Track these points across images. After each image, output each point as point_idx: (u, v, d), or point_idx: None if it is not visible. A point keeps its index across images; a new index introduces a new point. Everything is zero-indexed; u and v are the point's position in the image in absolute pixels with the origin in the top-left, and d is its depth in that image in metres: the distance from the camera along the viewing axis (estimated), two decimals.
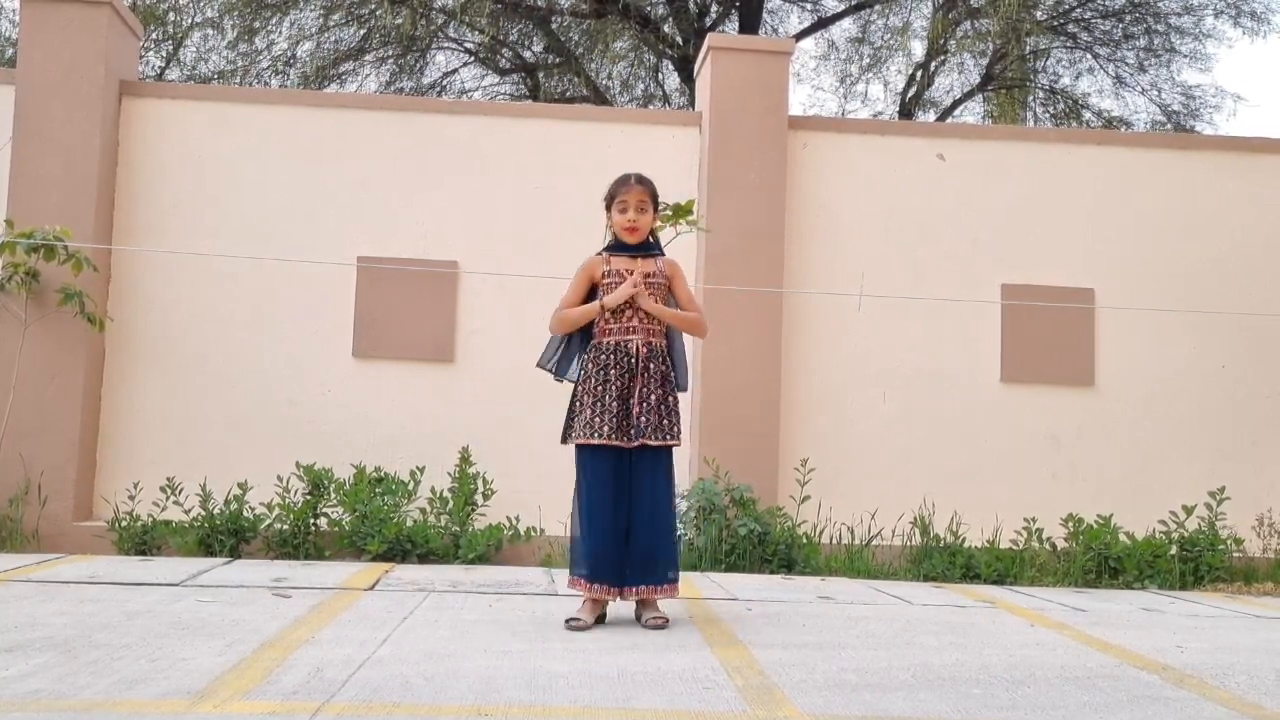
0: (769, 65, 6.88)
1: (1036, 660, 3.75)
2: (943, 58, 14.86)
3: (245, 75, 13.98)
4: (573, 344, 4.30)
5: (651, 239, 4.28)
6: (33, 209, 6.32)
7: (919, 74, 15.16)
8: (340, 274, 6.66)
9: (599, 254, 4.24)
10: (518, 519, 6.26)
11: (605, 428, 4.02)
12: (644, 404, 4.04)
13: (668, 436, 4.08)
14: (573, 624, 4.00)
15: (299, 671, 3.18)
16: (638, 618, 4.15)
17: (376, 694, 2.95)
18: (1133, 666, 3.70)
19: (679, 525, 6.11)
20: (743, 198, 6.70)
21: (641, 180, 4.18)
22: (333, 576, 5.13)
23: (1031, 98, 15.12)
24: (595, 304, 4.13)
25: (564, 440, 4.18)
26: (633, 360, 4.07)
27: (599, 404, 4.04)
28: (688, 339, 4.48)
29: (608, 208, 4.21)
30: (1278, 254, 7.09)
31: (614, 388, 4.05)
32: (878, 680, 3.35)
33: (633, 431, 4.03)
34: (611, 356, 4.08)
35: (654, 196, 4.20)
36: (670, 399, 4.12)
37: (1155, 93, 14.48)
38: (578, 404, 4.13)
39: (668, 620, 4.08)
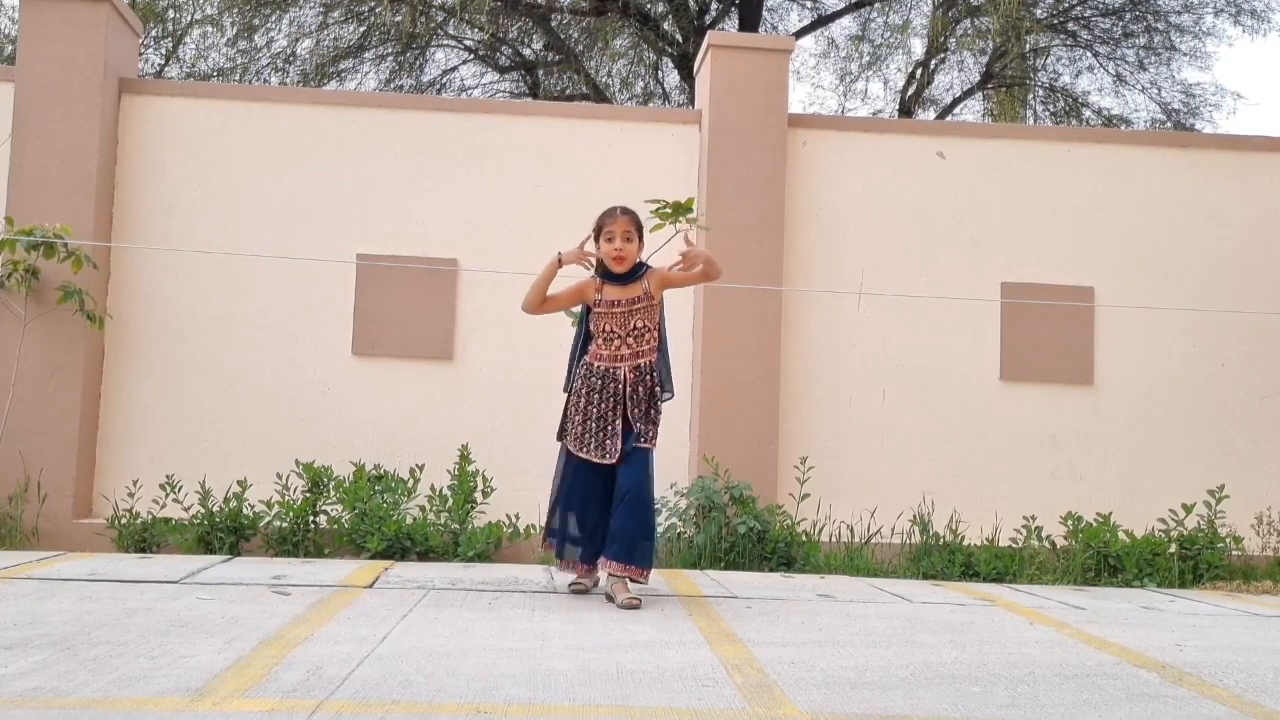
0: (769, 63, 6.87)
1: (1035, 658, 3.75)
2: (943, 56, 14.86)
3: (245, 72, 13.99)
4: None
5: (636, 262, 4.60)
6: (32, 206, 6.32)
7: (919, 72, 15.16)
8: (340, 271, 6.66)
9: (593, 278, 4.54)
10: (517, 517, 6.26)
11: (589, 446, 4.47)
12: (646, 415, 4.47)
13: (642, 440, 4.48)
14: (575, 587, 4.68)
15: (298, 669, 3.18)
16: (610, 597, 4.49)
17: (375, 692, 2.95)
18: (1131, 664, 3.70)
19: (677, 522, 6.14)
20: (742, 195, 6.70)
21: (626, 211, 4.50)
22: (332, 574, 5.13)
23: (1031, 96, 15.11)
24: (553, 257, 4.48)
25: (559, 438, 4.65)
26: (620, 386, 4.46)
27: (587, 421, 4.47)
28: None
29: (595, 238, 4.51)
30: (1278, 253, 7.09)
31: (596, 410, 4.46)
32: (877, 678, 3.35)
33: (610, 445, 4.45)
34: (600, 380, 4.47)
35: (638, 226, 4.52)
36: (653, 411, 4.51)
37: (1155, 91, 14.49)
38: (569, 412, 4.57)
39: (640, 602, 4.40)
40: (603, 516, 4.53)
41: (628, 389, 4.45)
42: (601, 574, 4.62)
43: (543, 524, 4.88)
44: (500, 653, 3.51)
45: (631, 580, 4.48)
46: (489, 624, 4.02)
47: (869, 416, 6.84)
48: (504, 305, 6.75)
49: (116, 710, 2.70)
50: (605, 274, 4.51)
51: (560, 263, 4.47)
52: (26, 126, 6.42)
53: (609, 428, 4.43)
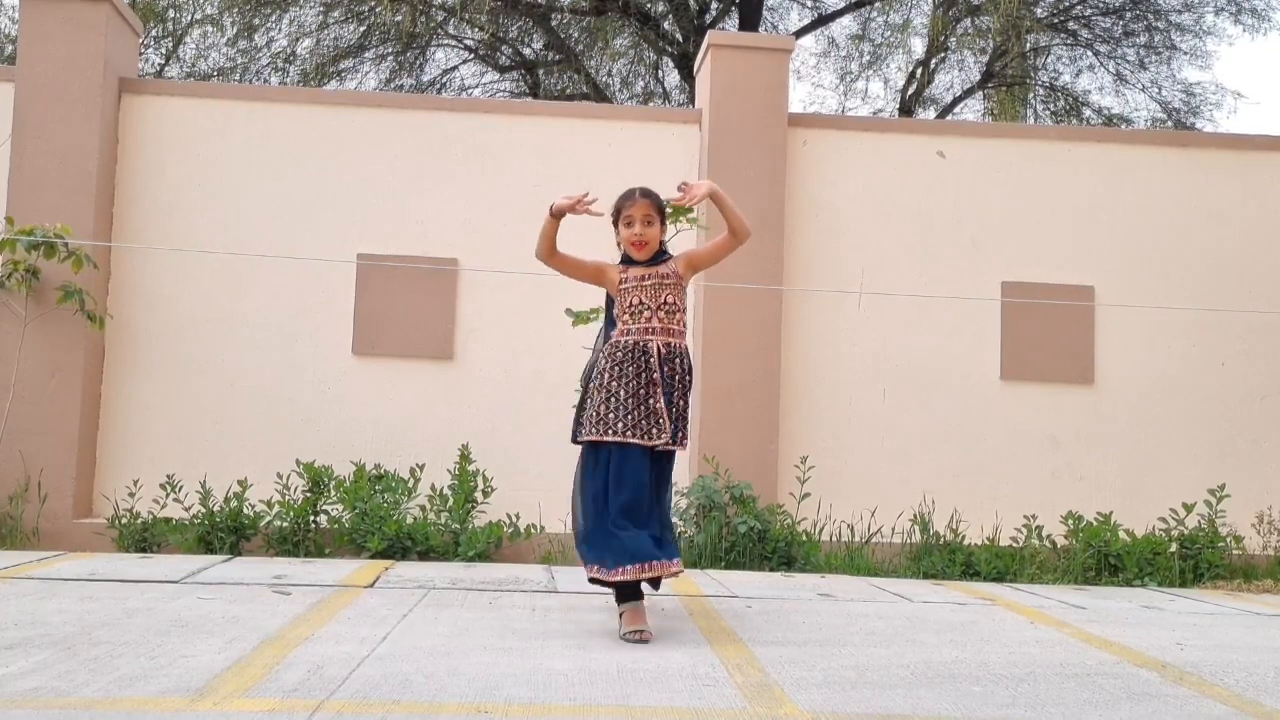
0: (769, 62, 6.87)
1: (1036, 657, 3.75)
2: (943, 55, 14.86)
3: (245, 72, 13.99)
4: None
5: (659, 247, 4.16)
6: (32, 206, 6.32)
7: (919, 71, 15.16)
8: (340, 271, 6.66)
9: (616, 264, 4.13)
10: (518, 516, 6.26)
11: (620, 424, 3.89)
12: (674, 408, 3.95)
13: (675, 443, 3.98)
14: (631, 636, 3.76)
15: (299, 669, 3.18)
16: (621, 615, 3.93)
17: (376, 691, 2.95)
18: (1132, 664, 3.70)
19: (678, 522, 6.13)
20: (742, 195, 6.65)
21: (646, 193, 4.09)
22: (332, 574, 5.13)
23: (1032, 95, 15.11)
24: (546, 214, 4.05)
25: (574, 439, 4.05)
26: (651, 360, 3.96)
27: (613, 399, 3.92)
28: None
29: (614, 223, 4.13)
30: (1278, 252, 7.09)
31: (630, 385, 3.94)
32: (877, 678, 3.35)
33: (654, 430, 3.90)
34: (628, 355, 3.97)
35: (660, 209, 4.11)
36: (683, 403, 4.01)
37: (1155, 90, 14.49)
38: (588, 400, 4.01)
39: (651, 639, 3.79)
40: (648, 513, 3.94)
41: (659, 365, 3.95)
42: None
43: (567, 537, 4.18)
44: (501, 652, 3.51)
45: (655, 580, 3.94)
46: (489, 623, 4.02)
47: (869, 416, 6.84)
48: (504, 305, 6.76)
49: (117, 710, 2.70)
50: (627, 260, 4.12)
51: (553, 214, 4.04)
52: (26, 126, 6.42)
53: (643, 406, 3.90)
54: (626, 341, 3.99)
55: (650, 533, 3.92)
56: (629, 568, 3.82)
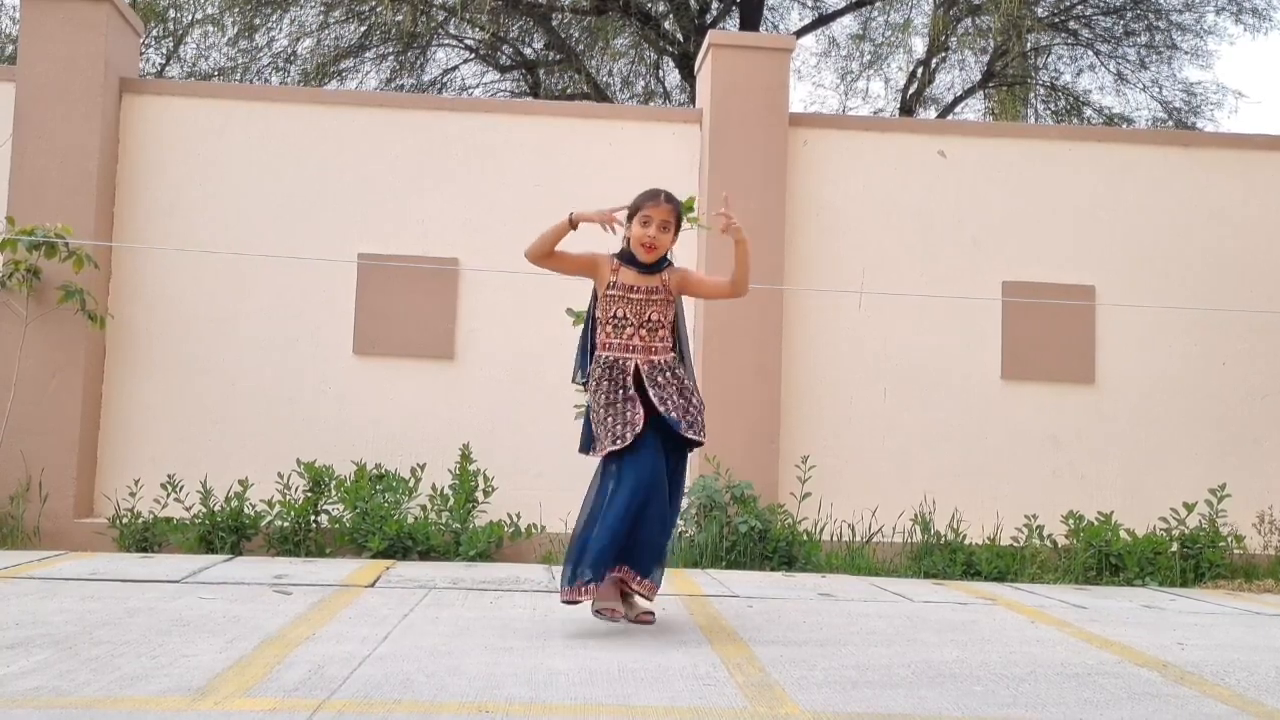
0: (770, 62, 6.87)
1: (1037, 657, 3.75)
2: (944, 54, 14.86)
3: (246, 72, 14.00)
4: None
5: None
6: (33, 206, 6.32)
7: (920, 71, 15.16)
8: (341, 271, 6.66)
9: (613, 256, 4.08)
10: (518, 516, 6.26)
11: (607, 437, 3.92)
12: (665, 404, 3.94)
13: (690, 431, 3.96)
14: (604, 612, 3.79)
15: (300, 669, 3.18)
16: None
17: (377, 691, 2.95)
18: (1133, 664, 3.70)
19: (679, 521, 6.13)
20: (743, 195, 6.68)
21: (671, 199, 4.04)
22: (333, 574, 5.13)
23: (1032, 95, 15.11)
24: (564, 218, 4.00)
25: (586, 450, 4.06)
26: (628, 378, 3.95)
27: (613, 408, 3.94)
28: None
29: (630, 217, 4.03)
30: (1278, 251, 7.09)
31: (607, 397, 3.96)
32: (878, 677, 3.35)
33: (628, 434, 3.90)
34: (606, 371, 3.98)
35: (678, 219, 4.07)
36: (679, 399, 3.99)
37: (1156, 89, 14.49)
38: (594, 415, 4.02)
39: (654, 619, 3.93)
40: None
41: (638, 383, 3.94)
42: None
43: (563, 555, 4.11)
44: (502, 652, 3.51)
45: (641, 597, 3.99)
46: (490, 623, 4.02)
47: (870, 415, 6.83)
48: (505, 305, 6.76)
49: (118, 710, 2.70)
50: (626, 258, 4.04)
51: (572, 223, 3.98)
52: (27, 126, 6.42)
53: (620, 420, 3.90)
54: (607, 357, 3.99)
55: (644, 539, 3.88)
56: (600, 572, 3.82)
